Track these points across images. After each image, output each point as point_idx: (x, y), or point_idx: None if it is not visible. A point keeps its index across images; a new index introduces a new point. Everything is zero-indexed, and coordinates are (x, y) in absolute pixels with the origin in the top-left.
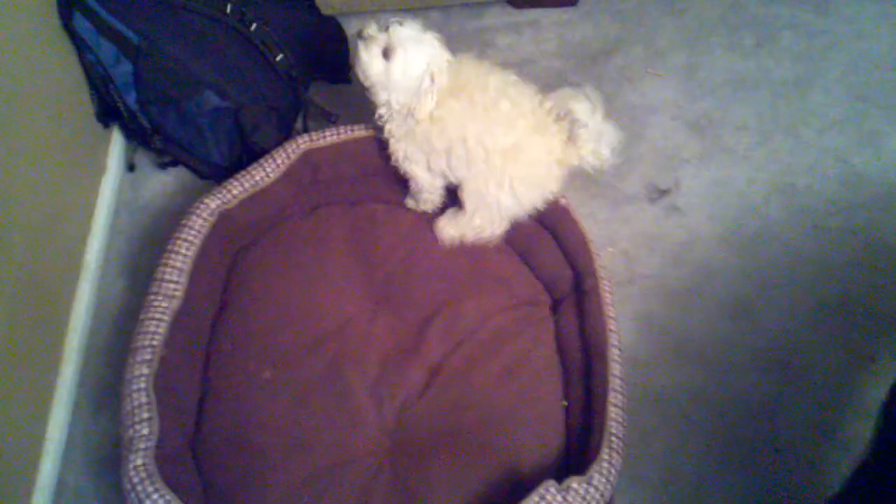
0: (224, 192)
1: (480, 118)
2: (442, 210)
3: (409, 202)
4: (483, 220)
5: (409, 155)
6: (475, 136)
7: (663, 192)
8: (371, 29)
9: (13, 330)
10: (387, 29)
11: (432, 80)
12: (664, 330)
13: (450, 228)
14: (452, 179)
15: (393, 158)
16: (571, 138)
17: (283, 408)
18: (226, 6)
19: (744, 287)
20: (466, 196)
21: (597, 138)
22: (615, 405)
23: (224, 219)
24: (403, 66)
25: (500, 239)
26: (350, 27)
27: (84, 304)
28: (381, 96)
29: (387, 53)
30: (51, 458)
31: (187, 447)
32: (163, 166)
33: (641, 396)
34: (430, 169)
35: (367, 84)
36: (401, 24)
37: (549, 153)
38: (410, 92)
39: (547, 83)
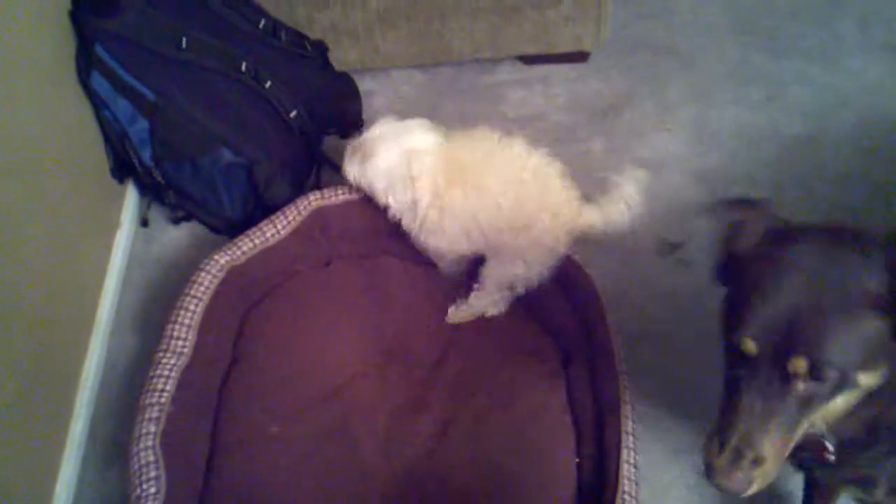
0: (234, 248)
1: (488, 203)
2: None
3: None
4: (498, 294)
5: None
6: (486, 220)
7: (675, 247)
8: (355, 140)
9: (24, 385)
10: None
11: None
12: (676, 385)
13: (458, 315)
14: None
15: (413, 240)
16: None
17: (292, 462)
18: (241, 64)
19: None
20: (487, 273)
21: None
22: (628, 462)
23: (234, 274)
24: (377, 167)
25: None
26: (363, 83)
27: (95, 360)
28: (380, 198)
29: (363, 158)
30: None
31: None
32: (176, 221)
33: (654, 453)
34: (451, 247)
35: (361, 189)
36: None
37: (560, 225)
38: (399, 186)
39: (557, 137)
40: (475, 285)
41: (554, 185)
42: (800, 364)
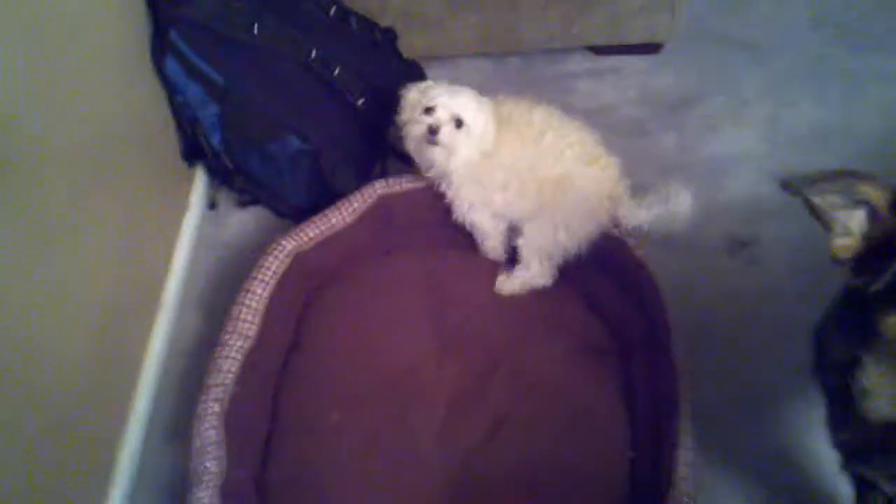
0: (300, 234)
1: (529, 150)
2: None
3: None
4: (539, 265)
5: (472, 203)
6: (527, 166)
7: (744, 245)
8: (417, 126)
9: (91, 361)
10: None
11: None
12: (739, 388)
13: (507, 284)
14: (512, 219)
15: (457, 214)
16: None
17: (350, 450)
18: (311, 51)
19: None
20: (525, 242)
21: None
22: (685, 463)
23: (299, 260)
24: (471, 128)
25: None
26: (431, 71)
27: (160, 338)
28: (452, 164)
29: (458, 123)
30: (120, 488)
31: (253, 485)
32: (243, 205)
33: (712, 454)
34: (492, 214)
35: (445, 168)
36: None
37: (599, 184)
38: (476, 143)
39: (628, 130)
40: (517, 256)
41: (595, 152)
42: None
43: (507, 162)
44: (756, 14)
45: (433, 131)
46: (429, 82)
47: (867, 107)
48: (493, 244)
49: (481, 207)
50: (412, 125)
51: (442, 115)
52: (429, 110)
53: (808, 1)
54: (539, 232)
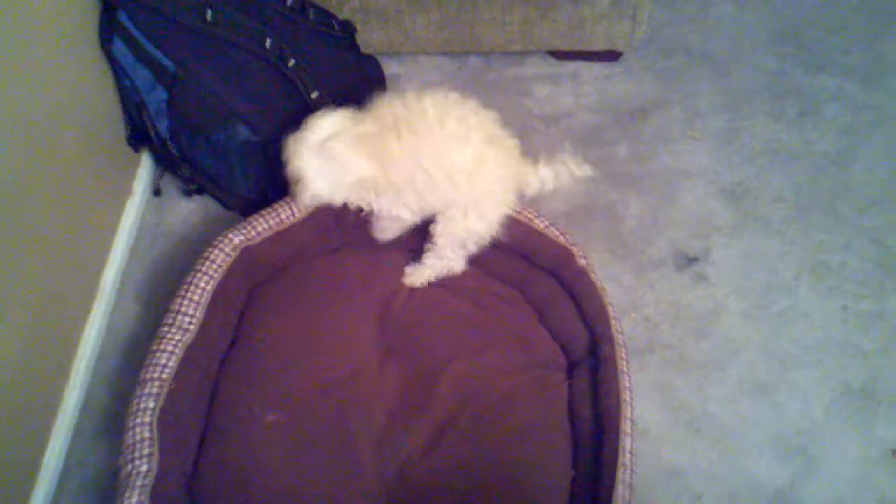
0: (249, 227)
1: (430, 143)
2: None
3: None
4: (453, 253)
5: (389, 208)
6: (431, 161)
7: (692, 260)
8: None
9: (20, 348)
10: None
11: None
12: (680, 404)
13: (417, 275)
14: (428, 211)
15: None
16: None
17: (285, 453)
18: (265, 41)
19: (766, 365)
20: (439, 230)
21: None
22: (623, 483)
23: (246, 255)
24: (317, 178)
25: (516, 295)
26: (389, 67)
27: (96, 328)
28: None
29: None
30: (45, 485)
31: (184, 486)
32: (188, 194)
33: (651, 471)
34: (410, 213)
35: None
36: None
37: (507, 166)
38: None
39: (582, 138)
40: (427, 245)
41: (498, 134)
42: None
43: (407, 164)
44: (717, 28)
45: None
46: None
47: (824, 125)
48: (399, 227)
49: (398, 204)
50: None
51: (291, 180)
52: None
53: (768, 18)
54: (453, 219)
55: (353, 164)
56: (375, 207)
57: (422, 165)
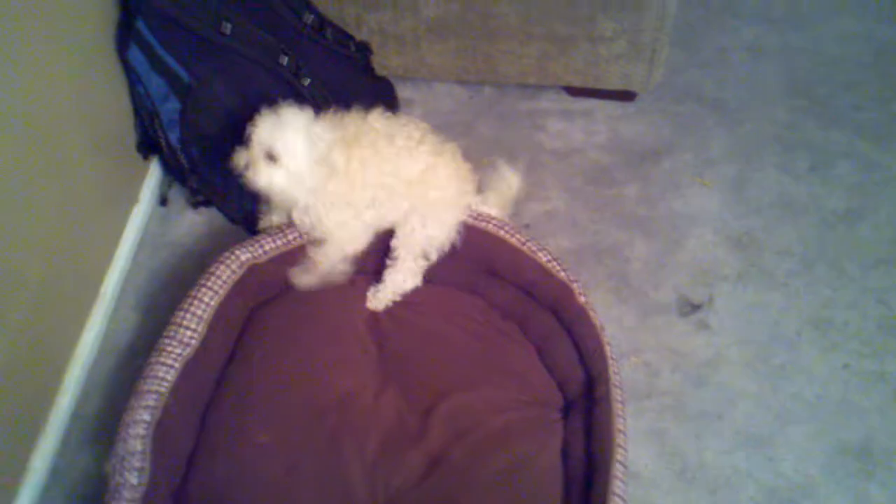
0: (256, 245)
1: (387, 158)
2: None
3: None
4: (413, 264)
5: (344, 222)
6: (390, 173)
7: (695, 307)
8: (241, 157)
9: (15, 350)
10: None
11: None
12: (675, 451)
13: (380, 297)
14: (386, 223)
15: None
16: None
17: (274, 474)
18: (282, 58)
19: (763, 418)
20: (399, 242)
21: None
22: None
23: (252, 273)
24: (294, 157)
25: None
26: (403, 91)
27: (93, 335)
28: (300, 197)
29: (271, 157)
30: (30, 491)
31: (171, 501)
32: (195, 205)
33: None
34: (364, 228)
35: (281, 196)
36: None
37: (456, 172)
38: (313, 169)
39: (593, 176)
40: (388, 261)
41: (440, 143)
42: None
43: (371, 176)
44: (732, 75)
45: (244, 167)
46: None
47: (833, 181)
48: (344, 256)
49: (351, 223)
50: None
51: (255, 154)
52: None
53: (782, 69)
54: (413, 230)
55: (335, 154)
56: (323, 225)
57: (383, 183)
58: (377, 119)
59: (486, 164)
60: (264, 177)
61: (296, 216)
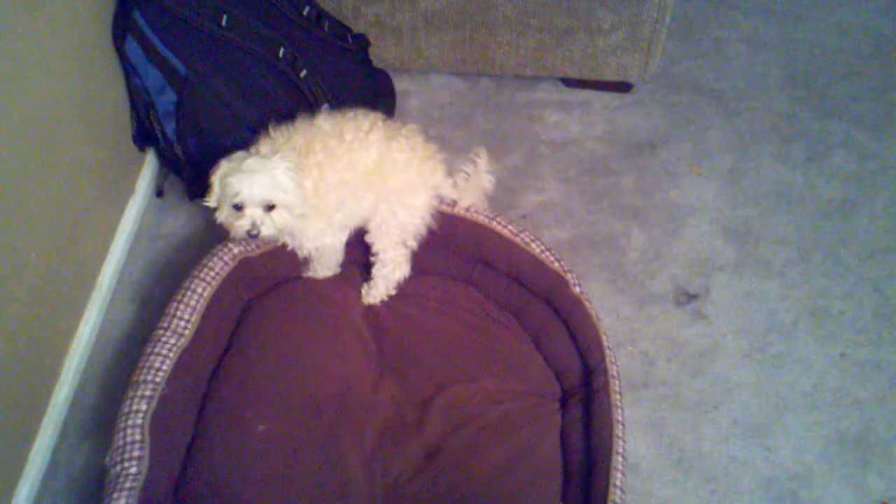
0: None
1: (340, 155)
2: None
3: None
4: (394, 253)
5: (321, 230)
6: (345, 169)
7: (692, 297)
8: (240, 226)
9: (13, 341)
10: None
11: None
12: (673, 441)
13: (373, 292)
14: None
15: (305, 249)
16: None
17: (274, 465)
18: (279, 50)
19: (761, 407)
20: (374, 237)
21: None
22: None
23: (244, 265)
24: (285, 191)
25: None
26: (401, 83)
27: (90, 326)
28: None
29: (269, 207)
30: (29, 483)
31: (171, 491)
32: (191, 197)
33: None
34: (338, 229)
35: (288, 229)
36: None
37: (413, 151)
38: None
39: (589, 166)
40: (371, 258)
41: (393, 127)
42: None
43: (333, 177)
44: (729, 66)
45: (253, 235)
46: (234, 160)
47: (830, 171)
48: (338, 259)
49: (328, 230)
50: (227, 222)
51: (254, 213)
52: (238, 207)
53: (781, 60)
54: (383, 221)
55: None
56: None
57: (344, 182)
58: (325, 120)
59: (472, 158)
60: (270, 225)
61: (282, 240)
